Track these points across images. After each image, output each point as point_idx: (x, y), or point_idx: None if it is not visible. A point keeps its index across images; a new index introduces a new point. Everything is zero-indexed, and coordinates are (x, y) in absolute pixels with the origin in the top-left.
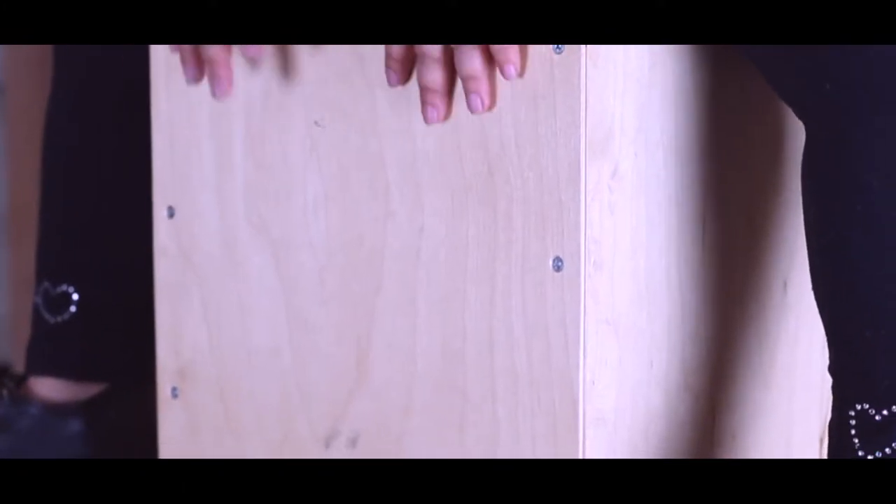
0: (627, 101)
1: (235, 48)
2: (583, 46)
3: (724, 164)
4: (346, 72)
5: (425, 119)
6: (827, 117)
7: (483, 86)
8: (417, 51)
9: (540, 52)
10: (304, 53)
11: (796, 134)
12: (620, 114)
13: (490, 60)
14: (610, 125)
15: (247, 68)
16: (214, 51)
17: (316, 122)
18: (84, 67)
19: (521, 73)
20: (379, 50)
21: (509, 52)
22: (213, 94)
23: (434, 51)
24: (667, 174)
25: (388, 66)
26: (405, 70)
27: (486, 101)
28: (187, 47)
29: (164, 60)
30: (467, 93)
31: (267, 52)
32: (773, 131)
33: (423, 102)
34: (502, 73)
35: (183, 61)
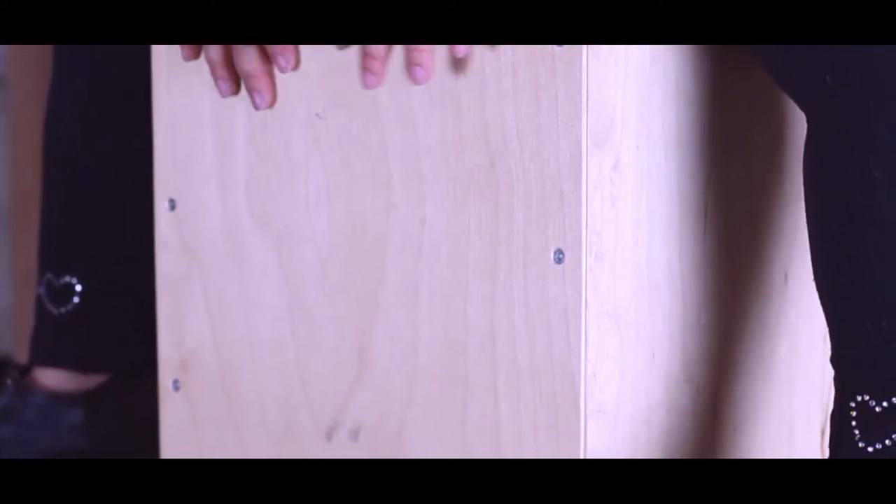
0: (629, 94)
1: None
2: None
3: (726, 157)
4: (347, 64)
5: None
6: (829, 108)
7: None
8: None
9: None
10: (306, 45)
11: (798, 125)
12: (622, 106)
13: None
14: (611, 117)
15: None
16: (251, 65)
17: (318, 115)
18: (85, 59)
19: (429, 76)
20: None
21: (421, 54)
22: (256, 106)
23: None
24: (668, 166)
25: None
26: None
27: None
28: (217, 62)
29: (165, 52)
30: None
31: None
32: (775, 123)
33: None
34: (413, 76)
35: (215, 76)
